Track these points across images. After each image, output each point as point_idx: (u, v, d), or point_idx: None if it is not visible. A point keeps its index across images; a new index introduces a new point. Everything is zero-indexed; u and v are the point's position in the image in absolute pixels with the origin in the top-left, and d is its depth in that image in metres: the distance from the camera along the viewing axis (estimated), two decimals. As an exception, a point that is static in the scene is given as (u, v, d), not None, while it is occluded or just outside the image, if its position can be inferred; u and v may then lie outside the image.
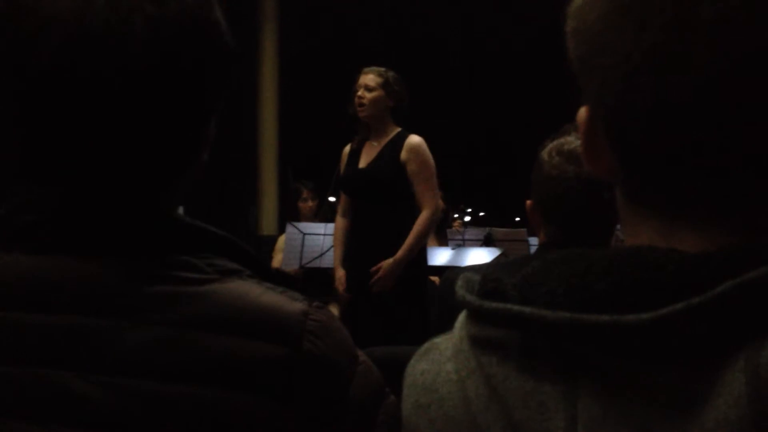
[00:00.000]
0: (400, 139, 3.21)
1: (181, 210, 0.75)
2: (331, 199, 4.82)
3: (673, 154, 0.46)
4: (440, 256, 4.37)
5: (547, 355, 0.46)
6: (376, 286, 3.10)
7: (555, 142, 1.44)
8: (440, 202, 3.28)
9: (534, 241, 4.72)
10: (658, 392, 0.42)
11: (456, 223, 6.65)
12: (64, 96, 0.61)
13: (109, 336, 0.61)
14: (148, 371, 0.60)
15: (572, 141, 1.42)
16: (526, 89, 13.68)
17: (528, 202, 1.52)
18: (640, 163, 0.48)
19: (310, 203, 4.89)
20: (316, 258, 4.14)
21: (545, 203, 1.47)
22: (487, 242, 4.93)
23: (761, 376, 0.38)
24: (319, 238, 4.16)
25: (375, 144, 3.27)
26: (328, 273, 3.68)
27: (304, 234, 4.21)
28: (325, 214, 4.87)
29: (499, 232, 5.15)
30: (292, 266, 4.19)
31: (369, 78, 3.23)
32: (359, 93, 3.22)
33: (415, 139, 3.19)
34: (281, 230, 4.86)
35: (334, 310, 3.44)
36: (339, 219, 3.42)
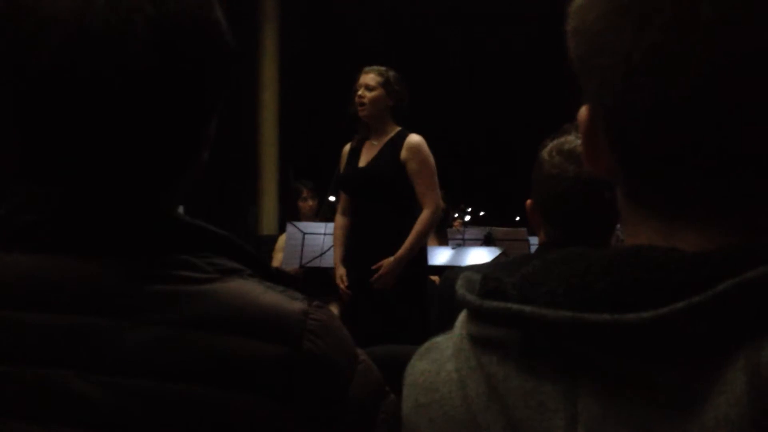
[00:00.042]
0: (400, 138, 3.21)
1: (181, 210, 0.75)
2: (332, 198, 4.82)
3: (673, 154, 0.46)
4: (440, 256, 4.37)
5: (547, 354, 0.46)
6: (377, 284, 3.10)
7: (555, 142, 1.44)
8: (441, 201, 3.27)
9: (534, 240, 4.72)
10: (658, 391, 0.42)
11: (456, 223, 6.65)
12: (64, 96, 0.61)
13: (109, 336, 0.61)
14: (148, 371, 0.60)
15: (572, 140, 1.42)
16: (527, 89, 13.68)
17: (528, 201, 1.52)
18: (639, 163, 0.48)
19: (310, 203, 4.89)
20: (317, 257, 4.14)
21: (545, 203, 1.47)
22: (487, 242, 4.93)
23: (762, 375, 0.38)
24: (320, 238, 4.16)
25: (375, 143, 3.27)
26: (328, 272, 3.68)
27: (305, 233, 4.21)
28: (325, 214, 4.87)
29: (499, 231, 5.15)
30: (293, 266, 4.19)
31: (369, 77, 3.23)
32: (360, 92, 3.22)
33: (415, 138, 3.20)
34: (281, 230, 4.86)
35: (334, 309, 3.44)
36: (339, 218, 3.42)
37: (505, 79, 13.79)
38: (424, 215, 3.15)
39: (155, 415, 0.59)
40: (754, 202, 0.45)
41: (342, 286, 3.24)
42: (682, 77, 0.43)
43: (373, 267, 3.10)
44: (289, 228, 4.30)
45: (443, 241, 4.99)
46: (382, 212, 3.18)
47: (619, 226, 1.46)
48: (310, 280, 4.13)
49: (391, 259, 3.09)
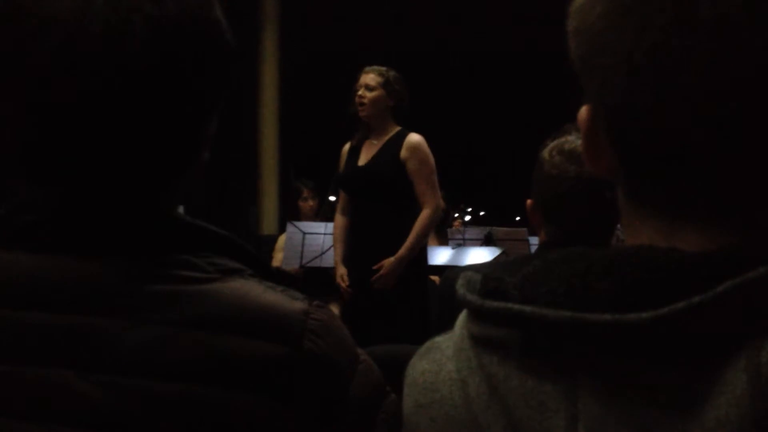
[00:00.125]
0: (400, 137, 3.21)
1: (181, 210, 0.75)
2: (332, 198, 4.82)
3: (674, 154, 0.46)
4: (441, 256, 4.37)
5: (547, 354, 0.46)
6: (378, 284, 3.10)
7: (556, 142, 1.44)
8: (441, 201, 3.27)
9: (534, 240, 4.73)
10: (658, 391, 0.42)
11: (456, 223, 6.65)
12: (64, 96, 0.61)
13: (109, 335, 0.61)
14: (149, 371, 0.60)
15: (573, 140, 1.42)
16: (527, 89, 13.67)
17: (528, 201, 1.52)
18: (640, 163, 0.48)
19: (310, 202, 4.89)
20: (317, 257, 4.14)
21: (546, 203, 1.47)
22: (487, 242, 4.93)
23: (762, 375, 0.38)
24: (320, 238, 4.16)
25: (375, 142, 3.27)
26: (328, 272, 3.68)
27: (305, 233, 4.21)
28: (325, 214, 4.87)
29: (499, 231, 5.15)
30: (293, 265, 4.19)
31: (370, 77, 3.23)
32: (360, 92, 3.22)
33: (414, 137, 3.20)
34: (282, 229, 4.86)
35: (335, 309, 3.44)
36: (338, 217, 3.41)
37: (505, 79, 13.79)
38: (424, 215, 3.15)
39: (155, 415, 0.59)
40: (755, 202, 0.45)
41: (343, 285, 3.24)
42: (683, 77, 0.43)
43: (374, 267, 3.10)
44: (290, 228, 4.30)
45: (443, 241, 4.99)
46: (381, 211, 3.18)
47: (619, 226, 1.46)
48: (311, 279, 4.13)
49: (392, 259, 3.09)
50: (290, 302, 0.65)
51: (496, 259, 2.80)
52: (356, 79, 3.29)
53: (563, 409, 0.45)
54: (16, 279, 0.63)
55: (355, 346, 0.69)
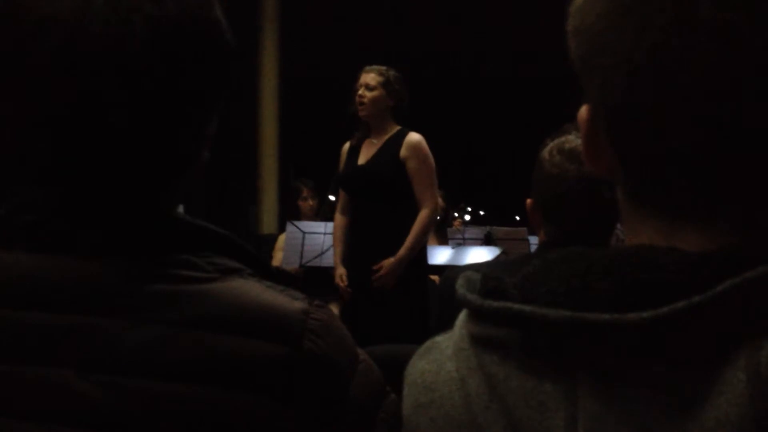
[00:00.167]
0: (400, 136, 3.21)
1: (181, 209, 0.75)
2: (332, 198, 4.82)
3: (674, 154, 0.46)
4: (440, 255, 4.37)
5: (547, 354, 0.46)
6: (377, 284, 3.10)
7: (556, 141, 1.44)
8: (440, 200, 3.27)
9: (534, 240, 4.73)
10: (658, 391, 0.42)
11: (456, 222, 6.65)
12: (64, 96, 0.61)
13: (109, 335, 0.61)
14: (148, 370, 0.60)
15: (573, 140, 1.42)
16: (527, 89, 13.67)
17: (528, 201, 1.52)
18: (640, 163, 0.48)
19: (310, 202, 4.89)
20: (317, 257, 4.14)
21: (546, 202, 1.47)
22: (487, 241, 4.93)
23: (762, 375, 0.38)
24: (320, 237, 4.16)
25: (375, 142, 3.27)
26: (328, 272, 3.68)
27: (305, 233, 4.21)
28: (325, 213, 4.87)
29: (499, 231, 5.15)
30: (293, 265, 4.19)
31: (370, 77, 3.23)
32: (360, 92, 3.22)
33: (414, 136, 3.19)
34: (281, 229, 4.86)
35: (335, 308, 3.44)
36: (338, 217, 3.41)
37: (505, 79, 13.79)
38: (424, 214, 3.15)
39: (155, 414, 0.59)
40: (755, 202, 0.45)
41: (342, 285, 3.24)
42: (684, 77, 0.43)
43: (374, 267, 3.10)
44: (289, 227, 4.30)
45: (443, 241, 4.99)
46: (381, 211, 3.18)
47: (619, 225, 1.46)
48: (311, 279, 4.13)
49: (392, 259, 3.09)
50: (290, 302, 0.65)
51: (496, 259, 2.80)
52: (356, 78, 3.28)
53: (563, 409, 0.45)
54: (16, 279, 0.63)
55: (355, 346, 0.69)
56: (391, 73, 3.27)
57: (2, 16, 0.62)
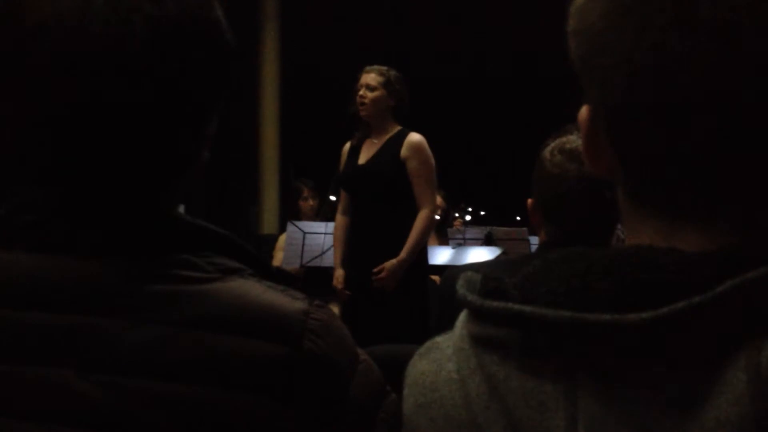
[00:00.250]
0: (400, 136, 3.21)
1: (181, 209, 0.75)
2: (332, 198, 4.82)
3: (674, 154, 0.46)
4: (441, 255, 4.37)
5: (547, 354, 0.46)
6: (378, 284, 3.09)
7: (556, 141, 1.44)
8: (440, 200, 3.27)
9: (535, 240, 4.73)
10: (658, 391, 0.42)
11: (457, 222, 6.65)
12: (64, 96, 0.61)
13: (109, 335, 0.61)
14: (149, 370, 0.60)
15: (574, 140, 1.42)
16: (527, 89, 13.67)
17: (529, 201, 1.52)
18: (640, 163, 0.48)
19: (311, 202, 4.88)
20: (317, 257, 4.14)
21: (546, 202, 1.47)
22: (487, 241, 4.93)
23: (762, 375, 0.38)
24: (320, 237, 4.16)
25: (375, 141, 3.27)
26: (328, 272, 3.68)
27: (305, 233, 4.21)
28: (325, 213, 4.87)
29: (499, 231, 5.16)
30: (293, 265, 4.19)
31: (370, 77, 3.23)
32: (361, 92, 3.22)
33: (415, 136, 3.19)
34: (282, 229, 4.86)
35: (335, 308, 3.44)
36: (339, 217, 3.41)
37: (505, 79, 13.79)
38: (423, 215, 3.14)
39: (155, 414, 0.59)
40: (755, 202, 0.45)
41: (338, 287, 3.25)
42: (683, 77, 0.43)
43: (375, 270, 3.10)
44: (290, 227, 4.30)
45: (444, 241, 4.99)
46: (381, 211, 3.17)
47: (619, 225, 1.46)
48: (311, 279, 4.13)
49: (394, 261, 3.09)
50: (290, 302, 0.65)
51: (496, 259, 2.80)
52: (357, 78, 3.28)
53: (563, 409, 0.45)
54: (16, 279, 0.63)
55: (355, 346, 0.69)
56: (392, 73, 3.26)
57: (2, 16, 0.62)
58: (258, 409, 0.60)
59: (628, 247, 0.46)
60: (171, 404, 0.59)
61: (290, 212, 4.86)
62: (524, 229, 5.22)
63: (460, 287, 0.52)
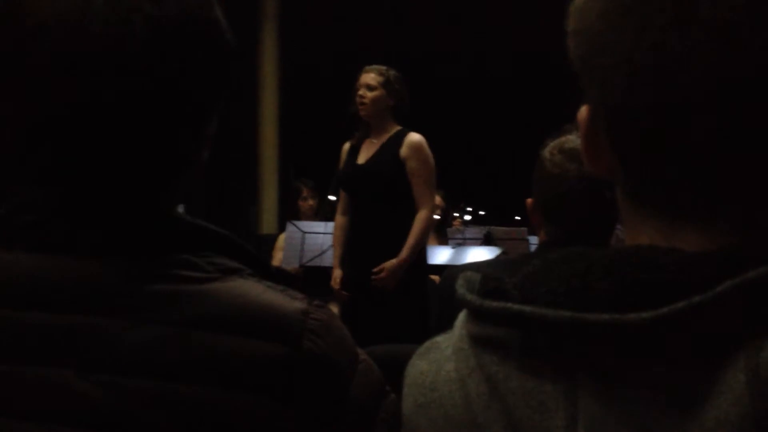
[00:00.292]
0: (400, 136, 3.21)
1: (181, 209, 0.75)
2: (332, 197, 4.82)
3: (674, 154, 0.46)
4: (440, 255, 4.37)
5: (547, 354, 0.46)
6: (378, 284, 3.10)
7: (556, 141, 1.44)
8: (440, 200, 3.28)
9: (534, 240, 4.73)
10: (658, 391, 0.42)
11: (456, 222, 6.66)
12: (64, 96, 0.61)
13: (109, 335, 0.61)
14: (148, 370, 0.60)
15: (573, 139, 1.42)
16: (527, 89, 13.67)
17: (529, 200, 1.52)
18: (640, 163, 0.48)
19: (310, 202, 4.88)
20: (316, 257, 4.14)
21: (546, 202, 1.47)
22: (487, 241, 4.93)
23: (762, 375, 0.38)
24: (319, 237, 4.16)
25: (375, 141, 3.27)
26: (328, 272, 3.68)
27: (304, 233, 4.21)
28: (325, 213, 4.87)
29: (499, 230, 5.16)
30: (292, 265, 4.19)
31: (370, 77, 3.23)
32: (360, 92, 3.22)
33: (415, 136, 3.19)
34: (281, 229, 4.86)
35: (335, 308, 3.44)
36: (338, 217, 3.41)
37: (505, 79, 13.79)
38: (422, 215, 3.15)
39: (155, 414, 0.59)
40: (755, 202, 0.45)
41: (336, 287, 3.25)
42: (683, 77, 0.43)
43: (375, 270, 3.10)
44: (289, 227, 4.30)
45: (443, 241, 4.99)
46: (381, 210, 3.18)
47: (619, 225, 1.46)
48: (310, 279, 4.14)
49: (394, 261, 3.09)
50: (290, 302, 0.65)
51: (495, 259, 2.81)
52: (356, 78, 3.28)
53: (563, 409, 0.45)
54: (16, 279, 0.63)
55: (355, 345, 0.69)
56: (392, 72, 3.26)
57: (2, 17, 0.62)
58: (258, 409, 0.60)
59: (628, 247, 0.46)
60: (171, 404, 0.59)
61: (290, 212, 4.86)
62: (524, 228, 5.23)
63: (460, 287, 0.52)
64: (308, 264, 4.15)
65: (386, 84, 3.22)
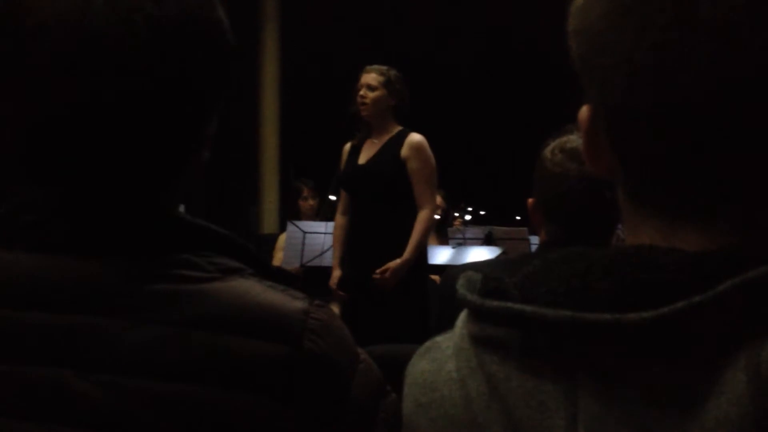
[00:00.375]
0: (401, 136, 3.21)
1: (182, 209, 0.75)
2: (332, 197, 4.82)
3: (674, 154, 0.46)
4: (441, 255, 4.37)
5: (547, 354, 0.46)
6: (379, 284, 3.09)
7: (557, 141, 1.44)
8: (440, 200, 3.28)
9: (535, 239, 4.73)
10: (658, 391, 0.42)
11: (457, 222, 6.66)
12: (64, 96, 0.61)
13: (109, 335, 0.61)
14: (149, 370, 0.60)
15: (574, 139, 1.42)
16: (527, 89, 13.67)
17: (529, 200, 1.52)
18: (640, 163, 0.48)
19: (310, 202, 4.88)
20: (317, 257, 4.14)
21: (547, 201, 1.47)
22: (487, 241, 4.93)
23: (762, 375, 0.38)
24: (320, 237, 4.16)
25: (376, 141, 3.27)
26: (328, 272, 3.69)
27: (305, 233, 4.21)
28: (325, 213, 4.87)
29: (499, 230, 5.16)
30: (293, 265, 4.19)
31: (371, 77, 3.23)
32: (361, 92, 3.22)
33: (416, 137, 3.19)
34: (282, 229, 4.86)
35: (335, 308, 3.44)
36: (339, 217, 3.41)
37: (505, 79, 13.79)
38: (424, 215, 3.15)
39: (155, 414, 0.59)
40: (755, 202, 0.45)
41: (334, 288, 3.25)
42: (683, 77, 0.43)
43: (379, 270, 3.10)
44: (290, 227, 4.30)
45: (444, 241, 4.99)
46: (382, 211, 3.18)
47: (620, 225, 1.46)
48: (311, 279, 4.13)
49: (398, 261, 3.09)
50: (290, 302, 0.65)
51: (496, 258, 2.80)
52: (357, 78, 3.28)
53: (563, 409, 0.45)
54: (16, 279, 0.63)
55: (356, 345, 0.69)
56: (392, 72, 3.26)
57: (2, 17, 0.62)
58: (258, 409, 0.60)
59: (628, 247, 0.46)
60: (171, 404, 0.59)
61: (290, 212, 4.86)
62: (524, 228, 5.23)
63: (460, 287, 0.52)
64: (309, 264, 4.15)
65: (387, 84, 3.22)
